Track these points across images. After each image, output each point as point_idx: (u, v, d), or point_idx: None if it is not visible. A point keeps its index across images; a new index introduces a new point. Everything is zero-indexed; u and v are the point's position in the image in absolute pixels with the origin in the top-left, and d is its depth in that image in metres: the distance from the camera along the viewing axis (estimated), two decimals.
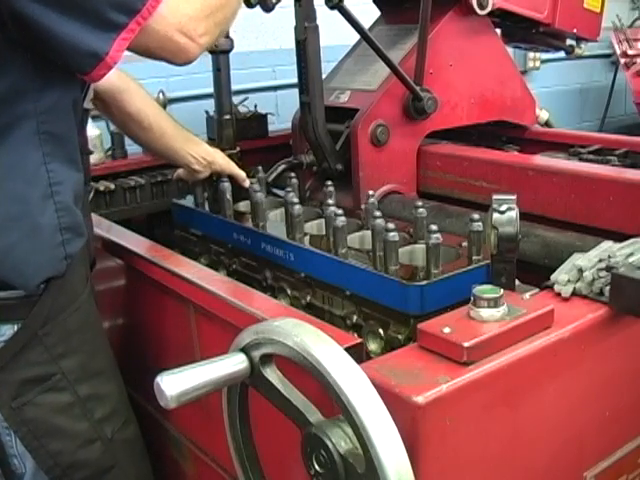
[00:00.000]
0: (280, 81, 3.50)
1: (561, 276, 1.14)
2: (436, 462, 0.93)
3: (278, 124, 2.92)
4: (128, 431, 1.49)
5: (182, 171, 1.94)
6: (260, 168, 2.00)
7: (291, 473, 1.08)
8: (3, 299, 1.26)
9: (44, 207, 1.25)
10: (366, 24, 2.18)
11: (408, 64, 2.05)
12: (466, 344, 0.94)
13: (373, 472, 0.83)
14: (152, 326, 1.71)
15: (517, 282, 1.26)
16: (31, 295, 1.26)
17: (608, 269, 1.10)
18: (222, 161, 1.91)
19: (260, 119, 2.64)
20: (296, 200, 1.65)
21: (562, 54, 2.75)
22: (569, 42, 2.66)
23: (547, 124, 2.68)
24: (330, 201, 1.67)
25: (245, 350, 0.98)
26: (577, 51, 2.67)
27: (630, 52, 4.75)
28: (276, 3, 1.83)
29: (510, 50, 2.53)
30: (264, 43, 3.49)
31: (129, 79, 1.73)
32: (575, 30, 2.49)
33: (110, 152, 2.39)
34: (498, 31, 2.38)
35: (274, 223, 1.82)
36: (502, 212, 1.16)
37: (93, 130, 2.23)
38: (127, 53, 1.20)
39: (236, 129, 2.16)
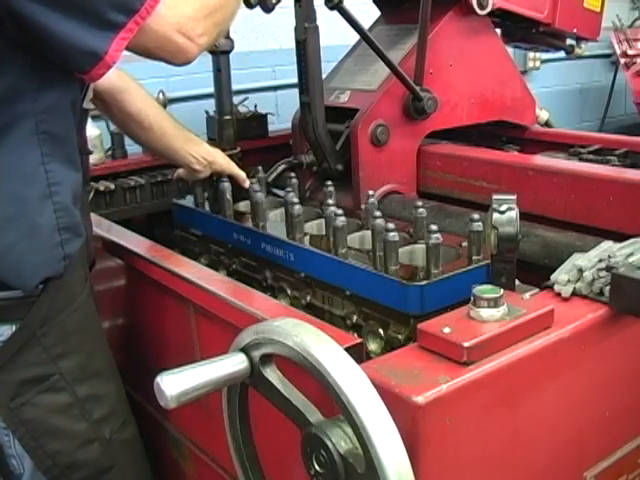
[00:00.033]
0: (280, 81, 3.50)
1: (561, 276, 1.14)
2: (436, 462, 0.93)
3: (278, 124, 2.92)
4: (127, 432, 1.48)
5: (182, 171, 1.94)
6: (260, 168, 2.00)
7: (291, 473, 1.08)
8: (1, 299, 1.26)
9: (42, 207, 1.25)
10: (366, 24, 2.18)
11: (408, 64, 2.05)
12: (466, 344, 0.94)
13: (373, 472, 0.83)
14: (152, 326, 1.71)
15: (517, 282, 1.26)
16: (29, 295, 1.26)
17: (608, 269, 1.10)
18: (222, 161, 1.91)
19: (260, 119, 2.64)
20: (296, 200, 1.65)
21: (562, 54, 2.75)
22: (569, 42, 2.65)
23: (547, 124, 2.67)
24: (330, 201, 1.67)
25: (245, 350, 0.98)
26: (577, 51, 2.67)
27: (630, 52, 4.75)
28: (276, 4, 1.83)
29: (510, 50, 2.53)
30: (264, 43, 3.49)
31: (129, 79, 1.73)
32: (575, 30, 2.49)
33: (110, 152, 2.39)
34: (498, 31, 2.38)
35: (274, 223, 1.82)
36: (502, 212, 1.16)
37: (93, 130, 2.23)
38: (127, 53, 1.20)
39: (236, 129, 2.17)
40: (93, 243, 1.56)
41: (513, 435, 1.03)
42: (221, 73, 2.06)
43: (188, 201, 2.01)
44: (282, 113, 3.09)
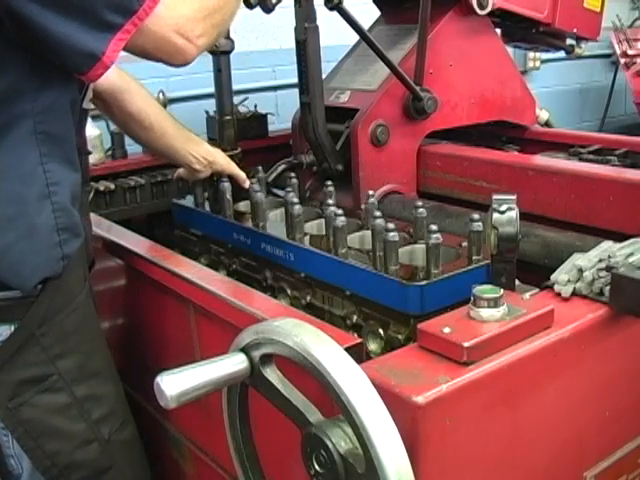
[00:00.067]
0: (280, 81, 3.50)
1: (561, 276, 1.14)
2: (436, 462, 0.93)
3: (278, 124, 2.92)
4: (126, 432, 1.48)
5: (182, 170, 1.94)
6: (260, 168, 2.00)
7: (291, 473, 1.08)
8: (0, 300, 1.26)
9: (41, 207, 1.25)
10: (366, 24, 2.18)
11: (408, 64, 2.05)
12: (466, 344, 0.94)
13: (373, 472, 0.83)
14: (152, 326, 1.71)
15: (517, 282, 1.26)
16: (28, 296, 1.26)
17: (608, 269, 1.10)
18: (223, 161, 1.91)
19: (260, 119, 2.64)
20: (296, 200, 1.65)
21: (562, 54, 2.75)
22: (569, 42, 2.65)
23: (547, 124, 2.67)
24: (330, 201, 1.67)
25: (245, 350, 0.98)
26: (577, 51, 2.67)
27: (630, 52, 4.75)
28: (276, 4, 1.83)
29: (510, 50, 2.53)
30: (264, 43, 3.49)
31: (130, 79, 1.73)
32: (575, 30, 2.49)
33: (110, 152, 2.39)
34: (498, 31, 2.38)
35: (274, 223, 1.82)
36: (502, 212, 1.16)
37: (93, 130, 2.23)
38: (128, 53, 1.21)
39: (236, 129, 2.17)
40: (93, 243, 1.56)
41: (513, 435, 1.03)
42: (221, 73, 2.06)
43: (188, 201, 2.01)
44: (282, 113, 3.09)
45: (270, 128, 2.69)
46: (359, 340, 1.10)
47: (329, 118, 2.04)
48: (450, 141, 2.32)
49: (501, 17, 2.31)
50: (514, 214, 1.16)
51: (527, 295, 1.11)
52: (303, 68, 1.96)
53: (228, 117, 2.11)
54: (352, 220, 1.70)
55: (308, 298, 1.61)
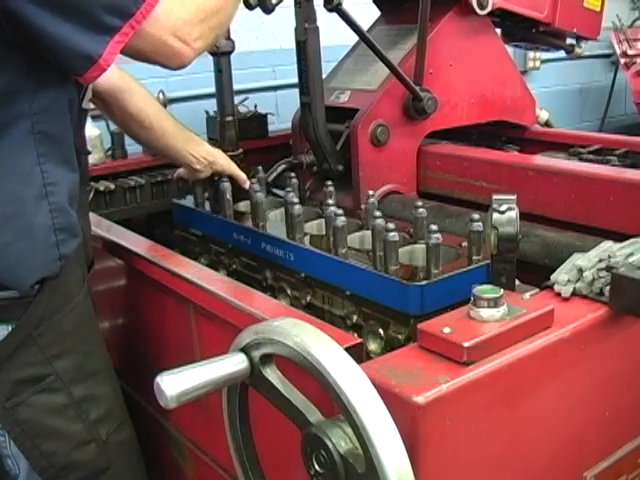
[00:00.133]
0: (280, 81, 3.50)
1: (561, 276, 1.14)
2: (436, 462, 0.93)
3: (278, 124, 2.92)
4: (123, 433, 1.48)
5: (183, 170, 1.94)
6: (260, 168, 2.00)
7: (291, 473, 1.08)
8: None
9: (38, 207, 1.24)
10: (366, 24, 2.18)
11: (408, 64, 2.05)
12: (466, 344, 0.94)
13: (373, 472, 0.83)
14: (152, 326, 1.70)
15: (517, 282, 1.26)
16: (25, 296, 1.26)
17: (608, 269, 1.10)
18: (223, 161, 1.91)
19: (260, 119, 2.64)
20: (296, 200, 1.65)
21: (562, 54, 2.75)
22: (569, 41, 2.65)
23: (547, 124, 2.67)
24: (330, 201, 1.67)
25: (245, 350, 0.98)
26: (577, 50, 2.67)
27: (630, 52, 4.75)
28: (276, 4, 1.83)
29: (510, 50, 2.53)
30: (264, 43, 3.49)
31: (130, 79, 1.73)
32: (575, 29, 2.49)
33: (110, 152, 2.39)
34: (498, 31, 2.38)
35: (274, 223, 1.82)
36: (502, 212, 1.16)
37: (93, 130, 2.23)
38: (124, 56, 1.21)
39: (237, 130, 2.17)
40: (92, 243, 1.56)
41: (513, 435, 1.03)
42: (222, 74, 2.06)
43: (188, 201, 2.01)
44: (282, 113, 3.09)
45: (270, 128, 2.69)
46: (359, 340, 1.10)
47: (329, 118, 2.04)
48: (450, 141, 2.32)
49: (501, 17, 2.31)
50: (514, 214, 1.16)
51: (527, 295, 1.11)
52: (303, 68, 1.96)
53: (229, 118, 2.11)
54: (352, 220, 1.70)
55: (308, 298, 1.61)
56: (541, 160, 2.09)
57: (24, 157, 1.23)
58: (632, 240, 1.20)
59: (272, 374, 0.97)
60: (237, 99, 2.40)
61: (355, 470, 0.86)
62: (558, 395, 1.07)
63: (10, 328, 1.27)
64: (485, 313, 0.99)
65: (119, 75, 1.67)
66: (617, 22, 4.80)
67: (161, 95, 2.52)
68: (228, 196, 1.85)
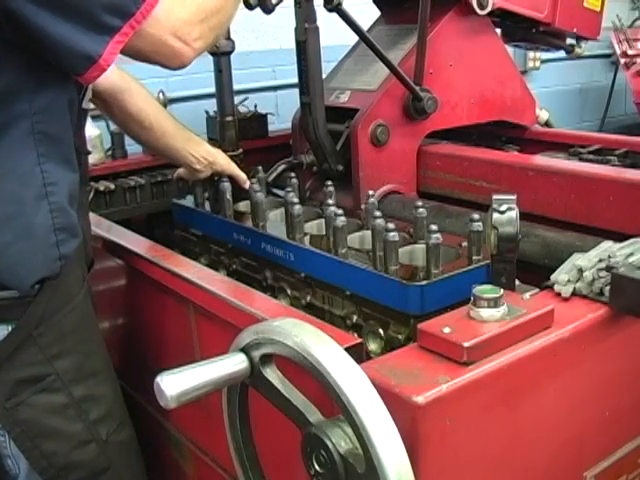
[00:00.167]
0: (280, 81, 3.50)
1: (561, 276, 1.14)
2: (436, 462, 0.93)
3: (278, 124, 2.92)
4: (123, 433, 1.48)
5: (183, 170, 1.94)
6: (260, 168, 2.00)
7: (291, 473, 1.08)
8: None
9: (38, 207, 1.24)
10: (366, 24, 2.18)
11: (408, 64, 2.05)
12: (466, 344, 0.94)
13: (373, 472, 0.83)
14: (152, 326, 1.71)
15: (517, 282, 1.26)
16: (25, 296, 1.26)
17: (608, 269, 1.10)
18: (223, 161, 1.91)
19: (260, 119, 2.64)
20: (296, 200, 1.65)
21: (562, 54, 2.75)
22: (569, 41, 2.65)
23: (547, 124, 2.67)
24: (330, 201, 1.67)
25: (245, 350, 0.98)
26: (577, 50, 2.67)
27: (630, 52, 4.75)
28: (276, 4, 1.83)
29: (510, 50, 2.53)
30: (264, 43, 3.49)
31: (130, 79, 1.73)
32: (575, 29, 2.49)
33: (110, 152, 2.39)
34: (498, 31, 2.38)
35: (274, 223, 1.82)
36: (502, 212, 1.16)
37: (93, 130, 2.23)
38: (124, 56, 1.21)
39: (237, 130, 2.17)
40: (92, 243, 1.56)
41: (513, 435, 1.03)
42: (222, 74, 2.06)
43: (188, 201, 2.01)
44: (282, 113, 3.09)
45: (270, 128, 2.69)
46: (359, 340, 1.10)
47: (329, 118, 2.04)
48: (450, 141, 2.32)
49: (501, 17, 2.31)
50: (514, 214, 1.16)
51: (527, 295, 1.11)
52: (303, 68, 1.96)
53: (229, 118, 2.11)
54: (352, 220, 1.70)
55: (308, 298, 1.61)
56: (541, 160, 2.09)
57: (24, 157, 1.23)
58: (632, 240, 1.20)
59: (272, 374, 0.97)
60: (237, 99, 2.40)
61: (355, 470, 0.86)
62: (558, 395, 1.07)
63: (10, 328, 1.27)
64: (485, 313, 0.99)
65: (119, 75, 1.67)
66: (617, 22, 4.81)
67: (161, 95, 2.52)
68: (228, 196, 1.85)
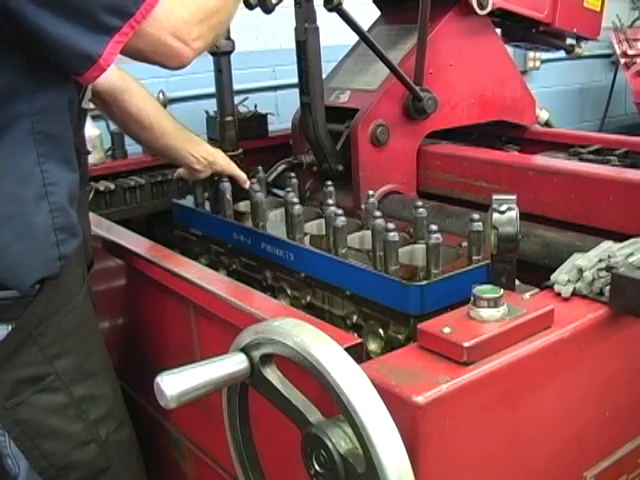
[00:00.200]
0: (280, 81, 3.50)
1: (561, 276, 1.14)
2: (436, 462, 0.93)
3: (278, 124, 2.92)
4: (123, 433, 1.48)
5: (183, 170, 1.94)
6: (260, 168, 2.00)
7: (291, 473, 1.08)
8: None
9: (38, 207, 1.25)
10: (366, 24, 2.18)
11: (408, 64, 2.05)
12: (466, 344, 0.94)
13: (373, 472, 0.83)
14: (152, 326, 1.71)
15: (517, 282, 1.26)
16: (25, 295, 1.26)
17: (608, 269, 1.10)
18: (223, 161, 1.91)
19: (260, 119, 2.64)
20: (296, 200, 1.65)
21: (562, 54, 2.75)
22: (569, 41, 2.65)
23: (547, 124, 2.67)
24: (330, 201, 1.67)
25: (245, 350, 0.98)
26: (577, 50, 2.67)
27: (630, 52, 4.75)
28: (276, 4, 1.83)
29: (510, 50, 2.53)
30: (264, 43, 3.49)
31: (130, 79, 1.73)
32: (575, 29, 2.49)
33: (110, 152, 2.39)
34: (498, 31, 2.38)
35: (274, 223, 1.82)
36: (502, 212, 1.16)
37: (93, 130, 2.23)
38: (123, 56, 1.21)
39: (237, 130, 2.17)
40: (92, 243, 1.56)
41: (513, 435, 1.03)
42: (222, 74, 2.06)
43: (188, 201, 2.01)
44: (282, 113, 3.09)
45: (270, 128, 2.69)
46: (359, 340, 1.10)
47: (329, 118, 2.04)
48: (450, 141, 2.32)
49: (501, 17, 2.31)
50: (514, 214, 1.16)
51: (527, 295, 1.11)
52: (303, 68, 1.96)
53: (229, 118, 2.11)
54: (352, 220, 1.70)
55: (308, 298, 1.61)
56: (541, 160, 2.09)
57: (24, 157, 1.23)
58: (632, 240, 1.20)
59: (272, 374, 0.97)
60: (237, 99, 2.40)
61: (355, 470, 0.86)
62: (558, 395, 1.07)
63: (10, 328, 1.27)
64: (485, 313, 0.99)
65: (119, 75, 1.67)
66: (617, 22, 4.80)
67: (161, 95, 2.52)
68: (228, 196, 1.85)
